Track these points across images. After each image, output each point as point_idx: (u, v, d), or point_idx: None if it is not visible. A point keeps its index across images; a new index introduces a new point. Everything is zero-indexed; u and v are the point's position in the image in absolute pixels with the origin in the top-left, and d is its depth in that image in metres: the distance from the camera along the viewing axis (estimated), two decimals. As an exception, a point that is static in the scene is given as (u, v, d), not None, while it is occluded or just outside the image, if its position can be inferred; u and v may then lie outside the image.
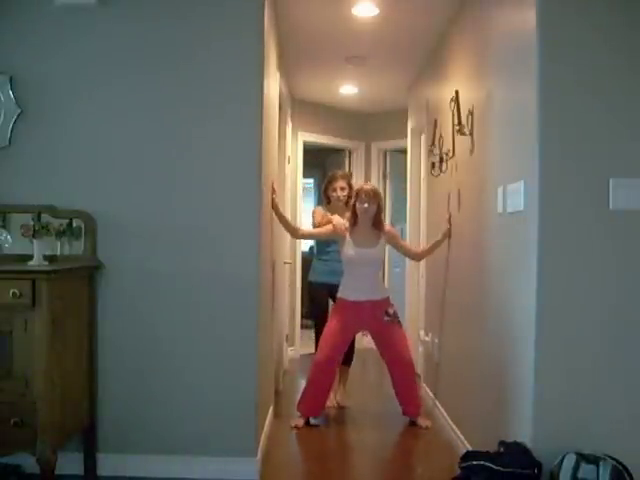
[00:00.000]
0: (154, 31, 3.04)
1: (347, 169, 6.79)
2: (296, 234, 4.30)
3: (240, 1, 3.05)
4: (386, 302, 3.94)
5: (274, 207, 3.80)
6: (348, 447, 3.63)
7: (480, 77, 3.26)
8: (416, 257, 4.34)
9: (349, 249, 3.89)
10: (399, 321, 3.97)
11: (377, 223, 3.94)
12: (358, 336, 4.48)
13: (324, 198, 4.49)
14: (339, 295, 3.99)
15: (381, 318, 3.89)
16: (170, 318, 3.02)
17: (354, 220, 3.92)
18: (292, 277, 6.04)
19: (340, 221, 3.99)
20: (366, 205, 3.85)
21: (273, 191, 3.80)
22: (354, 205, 3.91)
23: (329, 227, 4.02)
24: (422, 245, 4.69)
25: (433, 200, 4.61)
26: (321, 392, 3.92)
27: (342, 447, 3.65)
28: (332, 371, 3.93)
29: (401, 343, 3.94)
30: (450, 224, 3.86)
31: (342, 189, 4.35)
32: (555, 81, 2.36)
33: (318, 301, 4.51)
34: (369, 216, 3.89)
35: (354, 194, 3.97)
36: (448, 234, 3.89)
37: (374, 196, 3.88)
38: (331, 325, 4.03)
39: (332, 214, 4.17)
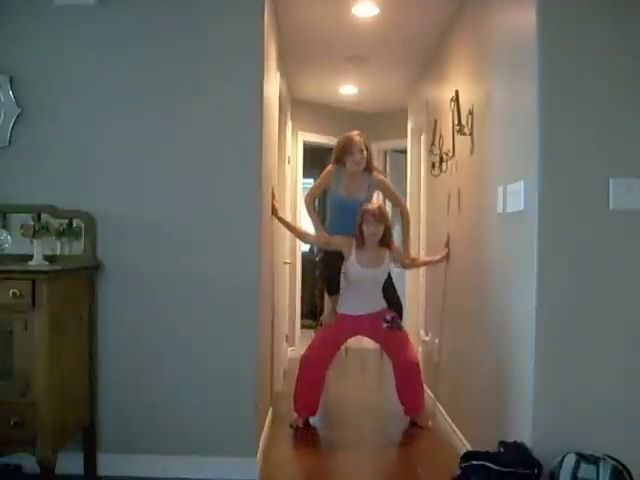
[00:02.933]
0: (154, 31, 3.05)
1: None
2: (304, 239, 4.28)
3: (240, 1, 3.05)
4: (384, 311, 3.92)
5: (275, 213, 3.79)
6: (348, 447, 3.63)
7: (480, 77, 3.26)
8: (409, 267, 4.30)
9: (354, 269, 3.82)
10: (399, 326, 3.95)
11: (385, 243, 3.84)
12: (358, 335, 4.46)
13: (336, 163, 3.98)
14: (338, 311, 3.98)
15: (380, 326, 3.88)
16: (170, 318, 3.02)
17: (361, 241, 3.80)
18: (292, 277, 6.04)
19: (345, 240, 3.86)
20: (373, 228, 3.74)
21: (273, 196, 3.78)
22: (360, 226, 3.78)
23: (337, 238, 3.90)
24: (422, 255, 4.71)
25: (433, 200, 4.61)
26: (311, 390, 3.88)
27: (342, 447, 3.64)
28: (321, 369, 3.89)
29: (404, 345, 3.92)
30: (449, 248, 3.86)
31: (361, 152, 3.88)
32: (555, 81, 2.36)
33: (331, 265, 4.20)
34: (376, 238, 3.79)
35: (359, 215, 3.79)
36: (446, 257, 3.88)
37: (381, 217, 3.76)
38: (325, 329, 4.04)
39: (346, 181, 3.94)
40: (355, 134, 3.92)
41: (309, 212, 4.07)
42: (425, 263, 4.22)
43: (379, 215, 3.76)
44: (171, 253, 3.03)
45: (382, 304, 3.95)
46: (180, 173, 3.04)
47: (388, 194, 4.19)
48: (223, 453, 2.98)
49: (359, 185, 3.95)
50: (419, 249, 5.19)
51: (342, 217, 3.97)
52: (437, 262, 3.99)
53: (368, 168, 3.93)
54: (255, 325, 3.04)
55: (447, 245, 3.88)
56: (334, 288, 4.14)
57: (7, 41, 3.04)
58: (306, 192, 4.19)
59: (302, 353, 4.05)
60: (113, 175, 3.04)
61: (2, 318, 2.52)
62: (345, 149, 3.88)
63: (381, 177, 4.16)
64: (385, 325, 3.87)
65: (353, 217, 3.82)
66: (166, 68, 3.04)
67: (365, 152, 3.88)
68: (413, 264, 4.27)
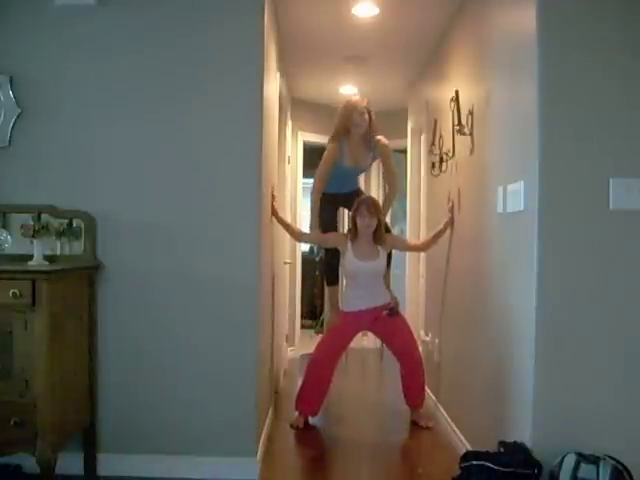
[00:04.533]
0: (153, 31, 3.04)
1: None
2: (299, 238, 4.28)
3: (240, 2, 3.05)
4: (387, 304, 3.92)
5: (274, 213, 3.79)
6: (348, 447, 3.63)
7: (480, 77, 3.26)
8: (420, 249, 4.38)
9: (351, 263, 3.84)
10: (397, 311, 3.93)
11: (378, 237, 3.83)
12: (358, 336, 4.47)
13: (337, 136, 3.92)
14: (341, 308, 3.99)
15: (381, 317, 3.88)
16: (170, 318, 3.02)
17: (355, 234, 3.83)
18: (292, 277, 6.04)
19: (339, 236, 3.96)
20: (367, 220, 3.76)
21: (273, 197, 3.78)
22: (354, 218, 3.81)
23: (331, 235, 3.99)
24: (422, 239, 4.70)
25: (433, 200, 4.61)
26: (318, 391, 3.89)
27: (342, 447, 3.64)
28: (329, 370, 3.89)
29: (407, 342, 3.93)
30: (452, 213, 3.78)
31: (362, 114, 3.81)
32: (555, 81, 2.36)
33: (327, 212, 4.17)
34: (370, 230, 3.80)
35: (354, 208, 3.83)
36: (450, 223, 3.80)
37: (375, 210, 3.78)
38: (331, 329, 4.05)
39: (350, 150, 3.91)
40: (355, 97, 3.85)
41: (313, 209, 3.99)
42: (433, 238, 3.99)
43: (373, 208, 3.78)
44: (171, 253, 3.03)
45: (385, 297, 3.93)
46: (180, 173, 3.04)
47: (387, 163, 4.14)
48: (223, 453, 2.98)
49: (363, 152, 3.95)
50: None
51: (338, 180, 4.01)
52: (443, 232, 3.87)
53: (371, 133, 3.87)
54: (255, 325, 3.04)
55: (451, 210, 3.78)
56: (333, 277, 4.14)
57: (7, 41, 3.04)
58: (312, 188, 4.05)
59: (311, 352, 4.06)
60: (113, 175, 3.04)
61: (2, 318, 2.52)
62: (346, 114, 3.82)
63: (384, 142, 4.00)
64: (384, 312, 3.86)
65: (348, 179, 3.98)
66: (166, 68, 3.04)
67: (367, 115, 3.82)
68: (417, 244, 4.37)
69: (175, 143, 3.04)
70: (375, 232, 3.82)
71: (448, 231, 3.88)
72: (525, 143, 2.49)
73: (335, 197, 4.11)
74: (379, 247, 3.86)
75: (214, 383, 3.01)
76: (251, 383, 3.03)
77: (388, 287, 4.05)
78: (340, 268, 4.09)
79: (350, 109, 3.83)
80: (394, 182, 4.21)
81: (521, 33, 2.57)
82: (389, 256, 4.02)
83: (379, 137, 3.97)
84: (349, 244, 3.86)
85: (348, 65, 4.92)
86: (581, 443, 2.28)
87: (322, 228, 4.06)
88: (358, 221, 3.80)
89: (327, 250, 4.25)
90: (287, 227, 4.08)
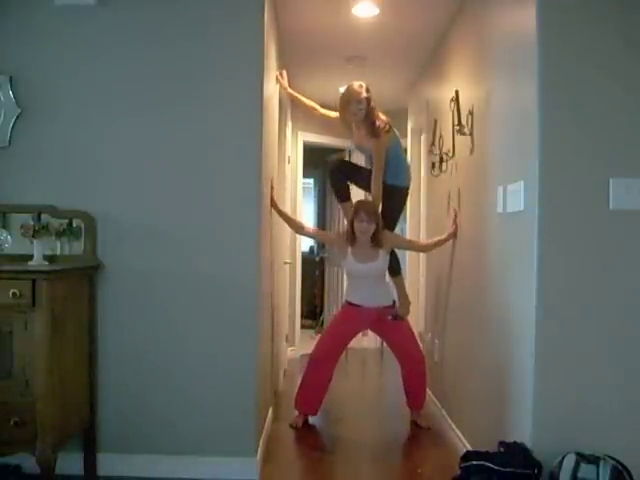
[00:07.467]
0: (153, 32, 3.04)
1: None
2: (300, 231, 4.26)
3: (240, 2, 3.05)
4: (392, 307, 3.91)
5: (273, 204, 3.77)
6: (348, 447, 3.63)
7: (480, 77, 3.26)
8: (421, 249, 4.35)
9: (351, 265, 3.83)
10: (401, 317, 3.93)
11: (376, 241, 3.77)
12: (358, 335, 4.46)
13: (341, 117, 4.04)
14: (346, 298, 3.97)
15: (385, 319, 3.88)
16: (170, 318, 3.02)
17: (352, 237, 3.79)
18: (292, 277, 6.04)
19: (339, 236, 3.94)
20: (365, 224, 3.70)
21: (272, 188, 3.78)
22: (351, 222, 3.77)
23: (332, 234, 4.01)
24: (424, 240, 4.69)
25: (433, 200, 4.61)
26: (317, 389, 3.88)
27: (342, 447, 3.64)
28: (329, 368, 3.88)
29: (409, 343, 3.93)
30: (456, 224, 3.72)
31: (358, 102, 3.78)
32: (555, 81, 2.37)
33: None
34: (367, 235, 3.75)
35: (352, 211, 3.80)
36: (454, 234, 3.73)
37: (373, 214, 3.72)
38: (333, 324, 4.04)
39: (353, 131, 4.01)
40: (355, 85, 3.85)
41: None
42: (435, 244, 3.95)
43: (372, 212, 3.73)
44: (171, 253, 3.03)
45: (389, 299, 3.91)
46: (180, 173, 3.04)
47: (375, 159, 3.93)
48: (223, 453, 2.98)
49: (364, 135, 3.95)
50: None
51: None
52: (445, 241, 3.82)
53: (371, 119, 3.86)
54: (255, 325, 3.04)
55: (455, 222, 3.73)
56: (343, 195, 4.12)
57: (7, 41, 3.04)
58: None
59: (311, 351, 4.03)
60: (113, 175, 3.04)
61: (2, 318, 2.52)
62: (343, 104, 3.89)
63: (379, 141, 3.90)
64: (389, 317, 3.86)
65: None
66: (166, 68, 3.04)
67: (364, 104, 3.80)
68: (420, 244, 4.36)
69: (175, 143, 3.04)
70: (373, 236, 3.77)
71: (455, 208, 3.80)
72: (525, 143, 2.49)
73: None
74: (380, 250, 3.83)
75: (214, 383, 3.01)
76: (251, 383, 3.03)
77: (404, 292, 4.05)
78: (341, 264, 4.07)
79: (348, 99, 3.84)
80: (373, 186, 3.89)
81: (521, 33, 2.57)
82: (395, 257, 3.97)
83: (385, 134, 3.91)
84: (348, 247, 3.83)
85: (348, 65, 4.92)
86: (581, 443, 2.28)
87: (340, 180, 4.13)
88: (356, 225, 3.75)
89: (338, 171, 4.18)
90: (287, 218, 4.06)
